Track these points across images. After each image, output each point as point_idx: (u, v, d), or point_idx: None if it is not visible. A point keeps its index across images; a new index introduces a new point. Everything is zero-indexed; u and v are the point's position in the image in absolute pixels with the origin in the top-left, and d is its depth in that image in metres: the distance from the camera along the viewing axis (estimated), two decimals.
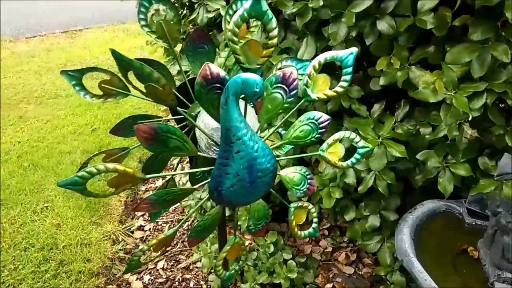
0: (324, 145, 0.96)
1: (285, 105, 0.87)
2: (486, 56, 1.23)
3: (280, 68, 1.09)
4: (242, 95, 0.74)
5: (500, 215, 1.13)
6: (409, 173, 1.56)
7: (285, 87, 0.85)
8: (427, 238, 1.32)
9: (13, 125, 3.31)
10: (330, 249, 2.22)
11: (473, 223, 1.35)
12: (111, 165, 0.76)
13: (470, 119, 1.25)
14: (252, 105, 0.83)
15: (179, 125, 1.08)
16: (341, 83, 0.89)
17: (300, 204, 1.03)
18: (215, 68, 0.75)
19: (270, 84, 0.87)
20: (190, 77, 1.05)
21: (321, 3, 1.44)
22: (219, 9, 1.69)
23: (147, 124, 0.75)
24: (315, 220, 1.05)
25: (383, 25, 1.40)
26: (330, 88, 0.90)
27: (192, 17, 1.93)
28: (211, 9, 1.76)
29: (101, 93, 0.94)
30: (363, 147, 0.97)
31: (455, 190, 1.44)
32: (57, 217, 2.32)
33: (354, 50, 0.89)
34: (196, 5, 1.86)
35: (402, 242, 1.24)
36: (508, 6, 1.12)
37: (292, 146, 1.05)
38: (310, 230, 1.05)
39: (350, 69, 0.88)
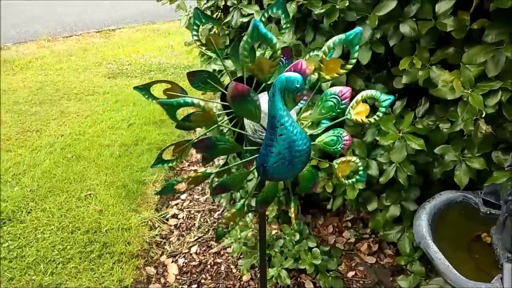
0: (348, 109, 1.09)
1: (335, 112, 1.05)
2: (500, 57, 1.33)
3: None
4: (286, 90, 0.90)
5: (510, 203, 1.23)
6: (428, 166, 1.67)
7: (339, 99, 1.04)
8: (444, 225, 1.43)
9: (55, 120, 3.56)
10: (353, 240, 2.34)
11: (488, 212, 1.45)
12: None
13: (484, 115, 1.35)
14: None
15: (229, 117, 1.26)
16: (350, 61, 1.03)
17: (342, 159, 1.16)
18: (240, 85, 0.92)
19: (329, 93, 1.05)
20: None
21: (347, 3, 1.56)
22: (253, 14, 1.83)
23: (201, 140, 0.96)
24: (360, 168, 1.17)
25: (405, 28, 1.51)
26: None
27: (227, 20, 2.08)
28: (245, 13, 1.91)
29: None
30: (386, 99, 1.08)
31: (471, 183, 1.54)
32: (100, 204, 2.52)
33: (359, 29, 1.01)
34: (231, 9, 2.01)
35: (420, 227, 1.35)
36: None
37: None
38: (357, 176, 1.18)
39: (357, 47, 1.02)
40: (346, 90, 1.06)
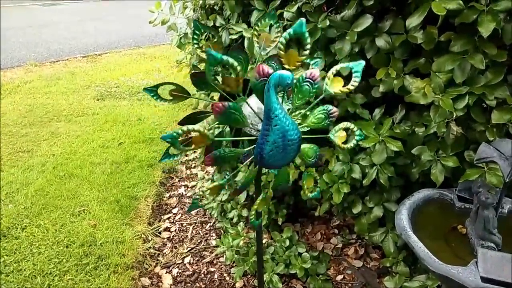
0: (324, 86, 1.25)
1: (311, 94, 1.20)
2: (466, 65, 1.49)
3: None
4: (279, 86, 1.06)
5: (480, 194, 1.36)
6: (407, 168, 1.80)
7: (312, 81, 1.19)
8: (422, 219, 1.54)
9: (46, 140, 3.61)
10: (340, 245, 2.44)
11: (462, 207, 1.58)
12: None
13: (454, 117, 1.50)
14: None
15: None
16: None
17: (336, 128, 1.32)
18: (265, 67, 1.10)
19: (301, 79, 1.20)
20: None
21: (328, 23, 1.71)
22: (241, 31, 1.97)
23: (221, 102, 1.07)
24: (355, 128, 1.33)
25: (381, 42, 1.67)
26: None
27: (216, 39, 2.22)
28: (233, 32, 2.05)
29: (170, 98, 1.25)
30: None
31: (446, 181, 1.67)
32: (93, 219, 2.57)
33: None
34: (220, 29, 2.15)
35: (401, 220, 1.47)
36: (481, 22, 1.38)
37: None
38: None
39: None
40: (314, 71, 1.22)
